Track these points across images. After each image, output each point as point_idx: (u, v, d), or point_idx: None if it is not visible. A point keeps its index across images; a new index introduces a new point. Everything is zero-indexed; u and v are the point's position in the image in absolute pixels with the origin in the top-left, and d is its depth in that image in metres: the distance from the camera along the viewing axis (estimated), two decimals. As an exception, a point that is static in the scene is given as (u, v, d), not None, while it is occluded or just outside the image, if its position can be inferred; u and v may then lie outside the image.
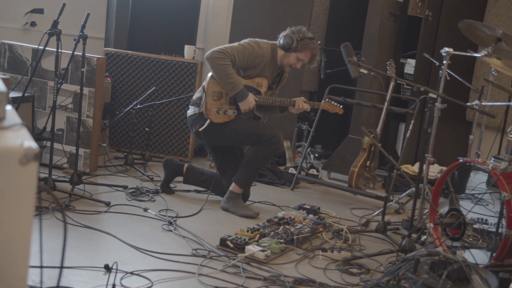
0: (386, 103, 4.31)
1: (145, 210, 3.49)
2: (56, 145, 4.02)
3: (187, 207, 3.67)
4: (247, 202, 3.86)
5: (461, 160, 3.17)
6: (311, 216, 3.62)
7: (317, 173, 4.97)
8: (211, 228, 3.34)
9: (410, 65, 5.65)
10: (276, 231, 3.22)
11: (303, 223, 3.39)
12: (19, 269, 1.25)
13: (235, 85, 3.61)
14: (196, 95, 3.80)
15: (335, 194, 4.60)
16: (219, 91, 3.68)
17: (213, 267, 2.74)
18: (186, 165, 3.96)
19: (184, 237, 3.10)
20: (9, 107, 1.37)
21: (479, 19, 5.25)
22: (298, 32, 3.73)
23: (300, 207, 3.82)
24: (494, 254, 2.88)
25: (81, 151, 4.04)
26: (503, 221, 2.90)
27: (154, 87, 4.75)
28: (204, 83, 3.70)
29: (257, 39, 3.77)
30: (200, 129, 3.70)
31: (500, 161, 2.97)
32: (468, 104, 3.94)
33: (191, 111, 3.80)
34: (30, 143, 1.19)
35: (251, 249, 2.89)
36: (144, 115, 4.92)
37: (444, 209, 3.24)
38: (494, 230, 3.01)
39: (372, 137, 4.00)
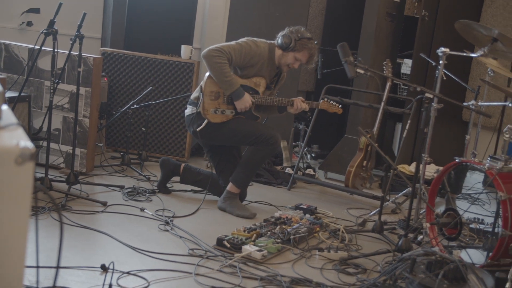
0: (382, 103, 4.32)
1: (142, 210, 3.49)
2: (53, 145, 4.00)
3: (183, 207, 3.66)
4: (244, 202, 3.86)
5: (457, 160, 3.17)
6: (307, 216, 3.62)
7: (314, 173, 4.98)
8: (208, 228, 3.34)
9: (406, 65, 5.66)
10: (273, 231, 3.22)
11: (300, 223, 3.40)
12: (16, 269, 1.25)
13: (231, 84, 3.61)
14: (194, 94, 3.79)
15: (332, 194, 4.61)
16: (216, 90, 3.67)
17: (210, 267, 2.74)
18: (183, 165, 3.96)
19: (181, 237, 3.10)
20: (5, 107, 1.36)
21: (475, 19, 5.25)
22: (297, 32, 3.74)
23: (297, 207, 3.82)
24: (490, 254, 2.89)
25: (78, 151, 4.04)
26: (499, 221, 2.90)
27: (150, 87, 4.74)
28: (202, 83, 3.70)
29: (255, 38, 3.77)
30: (198, 129, 3.70)
31: (496, 161, 2.98)
32: (464, 104, 3.95)
33: (188, 110, 3.80)
34: (26, 143, 1.19)
35: (248, 249, 2.89)
36: (141, 115, 4.91)
37: (440, 209, 3.24)
38: (490, 229, 3.02)
39: (368, 137, 4.01)
